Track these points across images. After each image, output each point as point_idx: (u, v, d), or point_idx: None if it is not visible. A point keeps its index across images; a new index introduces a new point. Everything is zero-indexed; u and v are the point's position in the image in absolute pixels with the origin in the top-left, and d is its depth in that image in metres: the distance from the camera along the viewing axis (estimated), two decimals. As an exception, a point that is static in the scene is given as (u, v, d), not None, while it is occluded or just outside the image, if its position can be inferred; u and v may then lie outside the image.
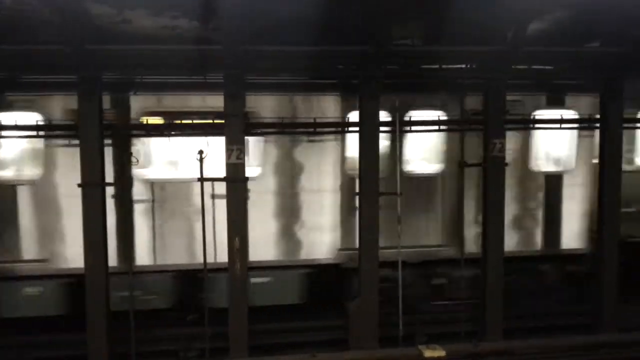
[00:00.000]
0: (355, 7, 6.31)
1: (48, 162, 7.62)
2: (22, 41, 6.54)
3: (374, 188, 7.19)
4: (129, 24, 6.54)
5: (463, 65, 7.48)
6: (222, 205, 7.23)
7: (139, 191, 7.76)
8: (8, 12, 6.12)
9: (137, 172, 7.67)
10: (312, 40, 6.60)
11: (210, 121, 7.58)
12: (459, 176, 8.10)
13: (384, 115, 7.58)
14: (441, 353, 6.99)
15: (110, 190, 7.28)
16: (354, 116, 7.83)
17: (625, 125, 7.98)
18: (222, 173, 6.90)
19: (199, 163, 6.98)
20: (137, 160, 7.41)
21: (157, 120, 7.74)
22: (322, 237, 8.20)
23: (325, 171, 8.14)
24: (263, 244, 7.94)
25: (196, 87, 7.52)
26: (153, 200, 7.82)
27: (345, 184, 8.18)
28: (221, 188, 7.16)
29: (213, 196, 7.65)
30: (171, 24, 6.58)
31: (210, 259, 7.29)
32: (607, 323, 7.87)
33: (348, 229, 8.13)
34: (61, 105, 7.49)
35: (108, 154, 7.19)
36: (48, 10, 6.09)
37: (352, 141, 7.89)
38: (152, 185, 7.85)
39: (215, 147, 7.28)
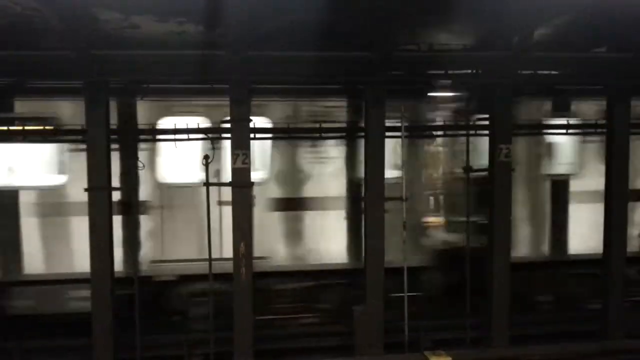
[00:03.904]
0: (360, 13, 6.31)
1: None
2: (30, 47, 6.60)
3: (379, 193, 7.18)
4: (135, 29, 6.58)
5: (469, 71, 7.47)
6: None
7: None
8: (16, 19, 6.17)
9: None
10: (318, 46, 6.61)
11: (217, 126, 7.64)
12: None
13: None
14: (447, 359, 6.95)
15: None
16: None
17: (633, 130, 7.94)
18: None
19: (204, 168, 7.01)
20: (144, 165, 7.43)
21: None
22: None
23: None
24: None
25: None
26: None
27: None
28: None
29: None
30: (178, 29, 6.62)
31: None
32: (612, 329, 7.80)
33: None
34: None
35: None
36: (56, 17, 6.13)
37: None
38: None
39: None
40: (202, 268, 7.33)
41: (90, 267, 6.78)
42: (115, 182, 7.05)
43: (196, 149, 7.87)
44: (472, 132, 8.03)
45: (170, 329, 8.10)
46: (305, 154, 8.33)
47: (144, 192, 7.85)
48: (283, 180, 8.32)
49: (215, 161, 7.51)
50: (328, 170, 8.37)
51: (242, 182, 6.82)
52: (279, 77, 7.27)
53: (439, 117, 8.83)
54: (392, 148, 8.04)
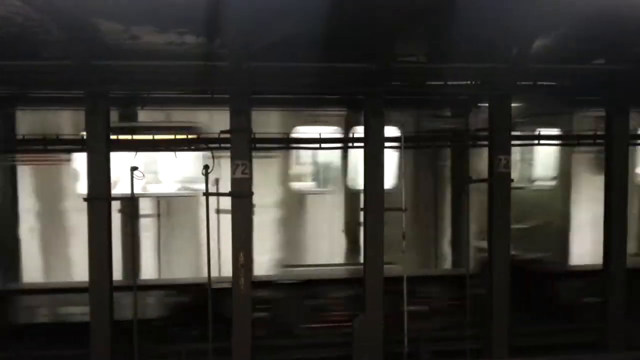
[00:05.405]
0: (360, 25, 6.35)
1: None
2: (31, 57, 6.64)
3: (379, 204, 7.19)
4: (136, 40, 6.62)
5: (468, 82, 7.51)
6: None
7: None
8: (17, 29, 6.22)
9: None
10: (318, 57, 6.65)
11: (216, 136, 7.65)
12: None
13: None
14: (446, 371, 6.93)
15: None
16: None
17: (632, 142, 7.96)
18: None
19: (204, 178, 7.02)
20: (143, 175, 7.43)
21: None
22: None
23: None
24: None
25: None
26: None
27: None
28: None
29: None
30: (178, 40, 6.66)
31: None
32: (613, 340, 7.77)
33: None
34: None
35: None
36: (57, 27, 6.18)
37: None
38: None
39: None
40: None
41: (89, 277, 6.79)
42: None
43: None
44: (470, 142, 8.05)
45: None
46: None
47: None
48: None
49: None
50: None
51: (241, 192, 6.83)
52: (279, 87, 7.31)
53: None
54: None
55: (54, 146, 7.53)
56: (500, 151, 7.35)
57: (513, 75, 7.18)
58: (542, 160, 9.29)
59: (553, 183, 9.11)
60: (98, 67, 6.63)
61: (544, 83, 7.66)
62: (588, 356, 7.73)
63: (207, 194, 7.08)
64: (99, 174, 6.77)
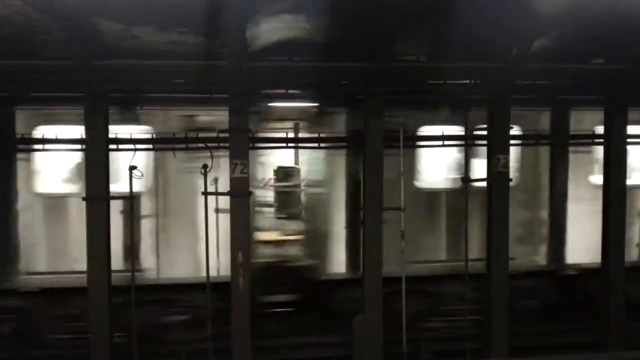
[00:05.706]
0: (360, 25, 6.36)
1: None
2: (30, 57, 6.64)
3: (378, 203, 7.19)
4: (136, 39, 6.62)
5: (467, 81, 7.52)
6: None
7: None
8: (17, 29, 6.22)
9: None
10: (317, 56, 6.66)
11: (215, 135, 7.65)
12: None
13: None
14: (446, 370, 6.93)
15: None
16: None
17: (630, 141, 7.96)
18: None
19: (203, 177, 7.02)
20: (142, 174, 7.42)
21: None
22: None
23: None
24: None
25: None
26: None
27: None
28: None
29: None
30: (178, 40, 6.67)
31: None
32: (613, 340, 7.77)
33: None
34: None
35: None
36: (57, 27, 6.18)
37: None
38: None
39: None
40: None
41: (88, 277, 6.79)
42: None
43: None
44: (469, 142, 8.05)
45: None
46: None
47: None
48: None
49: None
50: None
51: (240, 192, 6.83)
52: (279, 87, 7.31)
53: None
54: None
55: (53, 145, 7.54)
56: (499, 151, 7.35)
57: (513, 75, 7.19)
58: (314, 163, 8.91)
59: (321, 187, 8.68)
60: (98, 67, 6.63)
61: (544, 83, 7.66)
62: (588, 356, 7.73)
63: (205, 193, 7.08)
64: (98, 174, 6.76)
